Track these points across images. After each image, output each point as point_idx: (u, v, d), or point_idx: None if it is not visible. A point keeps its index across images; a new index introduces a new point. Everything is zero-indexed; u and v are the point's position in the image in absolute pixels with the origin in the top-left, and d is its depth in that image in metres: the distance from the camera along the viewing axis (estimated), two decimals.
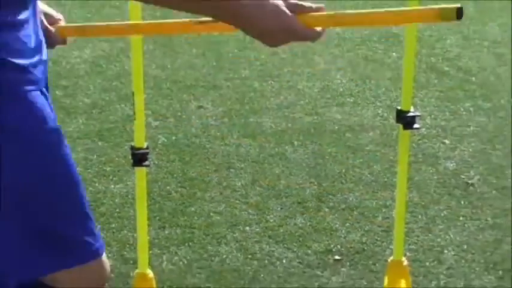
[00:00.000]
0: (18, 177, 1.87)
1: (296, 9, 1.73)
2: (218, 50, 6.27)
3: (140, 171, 2.45)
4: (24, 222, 1.92)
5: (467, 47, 6.51)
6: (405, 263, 2.69)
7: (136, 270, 2.55)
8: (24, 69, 1.85)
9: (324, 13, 1.80)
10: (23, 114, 1.85)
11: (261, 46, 5.85)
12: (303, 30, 1.74)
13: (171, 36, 6.63)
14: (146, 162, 2.38)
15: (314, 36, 1.78)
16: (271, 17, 1.70)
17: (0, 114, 1.80)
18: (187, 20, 1.98)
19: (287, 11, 1.70)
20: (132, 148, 2.50)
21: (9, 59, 1.81)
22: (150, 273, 2.58)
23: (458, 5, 2.35)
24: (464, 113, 5.16)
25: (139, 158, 2.35)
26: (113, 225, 3.77)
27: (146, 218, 2.51)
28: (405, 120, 2.63)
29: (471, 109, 5.23)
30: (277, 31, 1.72)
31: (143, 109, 2.48)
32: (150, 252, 3.53)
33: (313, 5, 1.77)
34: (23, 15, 1.85)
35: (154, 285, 2.59)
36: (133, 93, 2.46)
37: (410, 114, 2.57)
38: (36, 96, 1.89)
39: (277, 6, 1.69)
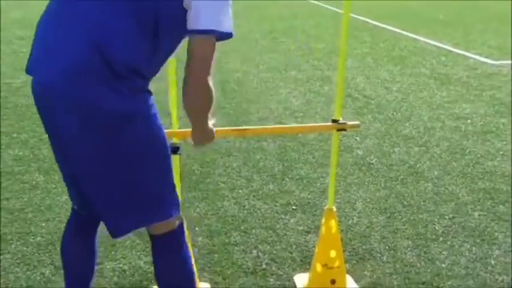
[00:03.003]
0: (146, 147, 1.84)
1: None
2: (222, 86, 6.24)
3: (175, 158, 2.39)
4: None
5: (369, 83, 6.51)
6: (334, 209, 2.66)
7: None
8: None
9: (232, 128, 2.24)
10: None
11: (249, 84, 5.71)
12: (211, 141, 2.11)
13: None
14: (179, 152, 2.31)
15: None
16: (206, 138, 2.08)
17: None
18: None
19: (213, 133, 2.08)
20: (171, 144, 2.46)
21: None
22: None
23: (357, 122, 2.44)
24: (367, 121, 5.16)
25: (174, 150, 2.29)
26: None
27: (180, 186, 2.46)
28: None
29: (371, 119, 5.23)
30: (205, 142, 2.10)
31: (177, 122, 2.42)
32: (183, 205, 3.52)
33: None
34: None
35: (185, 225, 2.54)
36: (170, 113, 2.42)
37: (341, 122, 2.54)
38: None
39: (211, 132, 2.07)
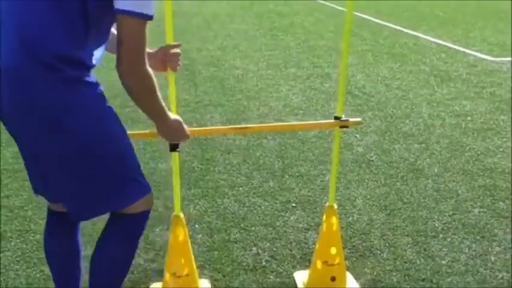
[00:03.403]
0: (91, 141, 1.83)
1: None
2: (222, 83, 6.23)
3: (175, 155, 2.38)
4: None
5: (369, 80, 6.50)
6: (335, 207, 2.65)
7: (173, 213, 2.49)
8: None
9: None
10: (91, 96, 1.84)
11: (249, 81, 5.70)
12: (185, 138, 2.09)
13: (194, 74, 6.58)
14: (178, 149, 2.30)
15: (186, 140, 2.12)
16: (174, 134, 2.06)
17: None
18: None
19: (183, 128, 2.05)
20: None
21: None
22: (181, 215, 2.51)
23: (359, 119, 2.44)
24: (367, 119, 5.15)
25: (174, 147, 2.28)
26: (160, 187, 3.72)
27: (179, 183, 2.45)
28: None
29: (371, 116, 5.22)
30: (174, 139, 2.12)
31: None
32: (182, 203, 3.51)
33: None
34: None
35: (184, 222, 2.53)
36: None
37: (343, 119, 2.54)
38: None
39: (178, 125, 2.03)
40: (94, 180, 1.87)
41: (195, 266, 2.57)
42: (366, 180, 3.90)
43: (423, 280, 2.79)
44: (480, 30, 9.83)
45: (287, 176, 3.95)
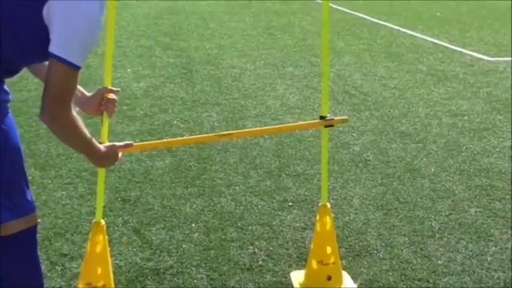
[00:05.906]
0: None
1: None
2: (219, 82, 6.22)
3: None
4: None
5: (366, 80, 6.50)
6: (328, 206, 2.66)
7: (94, 220, 2.36)
8: None
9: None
10: None
11: (246, 80, 5.70)
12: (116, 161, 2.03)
13: (192, 73, 6.56)
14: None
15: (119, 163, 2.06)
16: (106, 162, 2.03)
17: None
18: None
19: (112, 154, 2.00)
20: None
21: None
22: (103, 222, 2.32)
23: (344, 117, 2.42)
24: (364, 118, 5.15)
25: None
26: (157, 185, 3.71)
27: (103, 189, 2.30)
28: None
29: (368, 116, 5.22)
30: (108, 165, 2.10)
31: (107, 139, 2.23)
32: (179, 201, 3.51)
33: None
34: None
35: (105, 230, 2.34)
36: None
37: (328, 118, 2.54)
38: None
39: (110, 156, 2.00)
40: None
41: (112, 277, 2.40)
42: (363, 180, 3.90)
43: (419, 280, 2.79)
44: (477, 30, 9.84)
45: (284, 175, 3.94)
